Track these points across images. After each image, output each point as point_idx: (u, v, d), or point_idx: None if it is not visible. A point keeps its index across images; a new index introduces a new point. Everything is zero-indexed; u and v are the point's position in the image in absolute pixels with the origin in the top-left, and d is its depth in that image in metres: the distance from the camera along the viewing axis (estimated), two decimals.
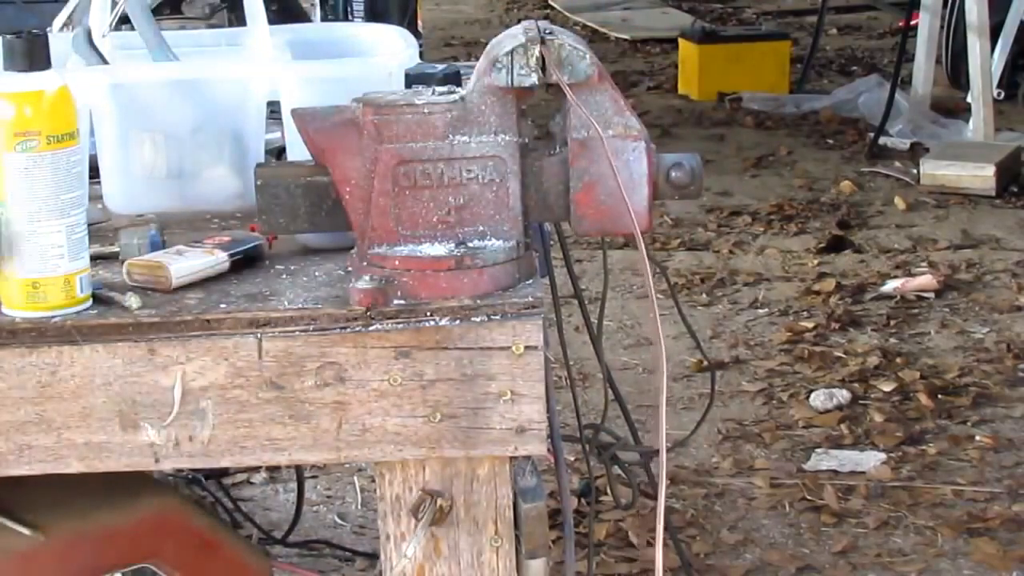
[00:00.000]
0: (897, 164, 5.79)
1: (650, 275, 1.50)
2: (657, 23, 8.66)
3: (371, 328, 1.51)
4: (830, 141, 6.21)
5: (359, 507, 3.29)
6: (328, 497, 3.33)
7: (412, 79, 1.63)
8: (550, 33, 1.52)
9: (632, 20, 8.83)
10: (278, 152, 1.92)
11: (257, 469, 3.33)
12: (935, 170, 5.47)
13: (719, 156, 5.97)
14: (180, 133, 1.79)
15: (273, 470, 3.35)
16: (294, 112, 1.58)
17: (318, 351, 1.52)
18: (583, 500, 2.18)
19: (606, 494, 2.54)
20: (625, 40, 8.39)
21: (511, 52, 1.50)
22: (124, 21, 2.01)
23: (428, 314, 1.51)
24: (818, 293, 4.52)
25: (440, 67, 1.64)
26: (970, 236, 4.99)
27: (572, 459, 2.80)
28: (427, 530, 1.56)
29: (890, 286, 4.54)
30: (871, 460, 3.47)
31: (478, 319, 1.51)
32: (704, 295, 4.54)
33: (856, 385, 3.85)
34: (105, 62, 1.89)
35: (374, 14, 4.62)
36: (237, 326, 1.52)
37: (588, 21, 8.86)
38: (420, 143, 1.51)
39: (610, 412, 2.06)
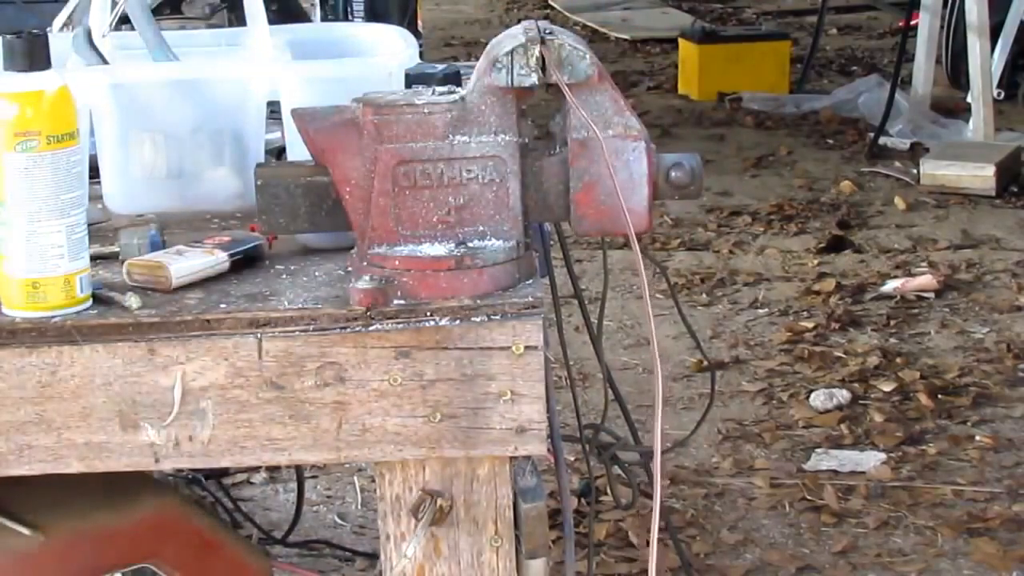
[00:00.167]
0: (897, 164, 5.79)
1: (645, 275, 1.50)
2: (657, 23, 8.66)
3: (371, 328, 1.51)
4: (830, 141, 6.21)
5: (359, 507, 3.29)
6: (328, 497, 3.33)
7: (412, 79, 1.63)
8: (550, 33, 1.52)
9: (632, 20, 8.83)
10: (278, 152, 1.92)
11: (257, 469, 3.33)
12: (935, 170, 5.47)
13: (719, 156, 5.97)
14: (180, 133, 1.79)
15: (273, 470, 3.35)
16: (294, 112, 1.58)
17: (318, 351, 1.52)
18: (583, 500, 2.18)
19: (606, 494, 2.54)
20: (625, 40, 8.39)
21: (511, 52, 1.50)
22: (124, 21, 2.01)
23: (428, 314, 1.51)
24: (818, 293, 4.52)
25: (440, 67, 1.64)
26: (970, 236, 4.99)
27: (572, 459, 2.81)
28: (427, 530, 1.56)
29: (890, 286, 4.54)
30: (871, 460, 3.47)
31: (478, 319, 1.51)
32: (704, 295, 4.54)
33: (856, 385, 3.85)
34: (105, 62, 1.89)
35: (374, 14, 4.62)
36: (237, 326, 1.52)
37: (588, 21, 8.86)
38: (420, 143, 1.51)
39: (610, 412, 2.06)
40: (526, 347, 1.51)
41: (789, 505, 3.29)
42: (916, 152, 5.84)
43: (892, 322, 4.28)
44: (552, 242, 1.95)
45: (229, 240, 1.66)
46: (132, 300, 1.54)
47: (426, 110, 1.51)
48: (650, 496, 2.57)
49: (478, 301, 1.51)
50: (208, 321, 1.52)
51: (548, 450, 1.60)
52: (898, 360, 3.99)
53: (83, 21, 2.00)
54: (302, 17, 4.64)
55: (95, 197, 1.80)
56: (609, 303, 2.15)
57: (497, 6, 9.79)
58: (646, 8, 9.18)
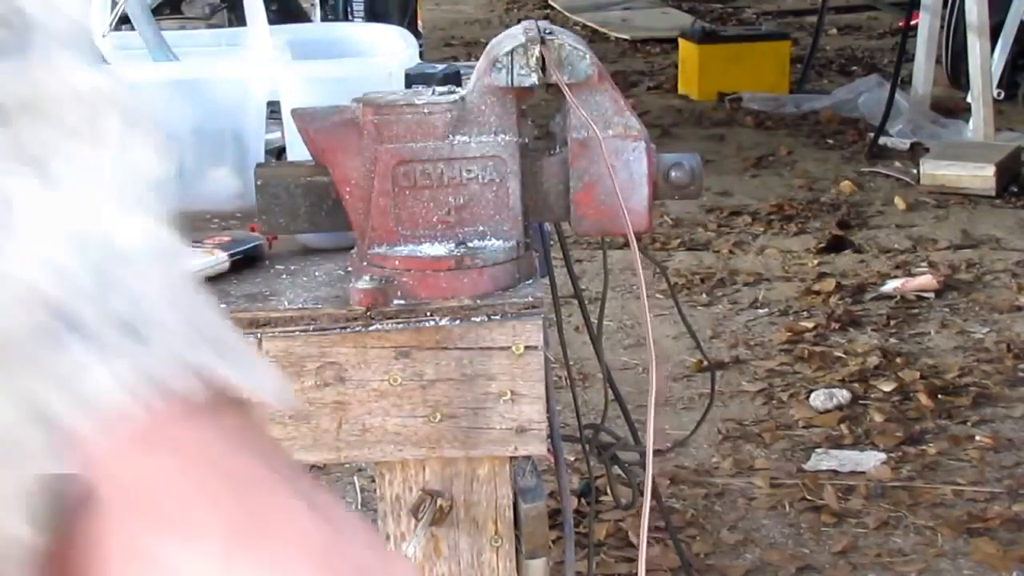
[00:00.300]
0: (897, 164, 5.79)
1: (643, 275, 1.49)
2: (657, 23, 8.66)
3: (371, 328, 1.51)
4: (830, 141, 6.22)
5: (359, 507, 3.29)
6: None
7: (412, 79, 1.62)
8: (550, 33, 1.52)
9: (632, 20, 8.83)
10: (278, 152, 1.92)
11: None
12: (935, 170, 5.47)
13: (719, 156, 5.97)
14: (180, 133, 1.79)
15: None
16: (294, 112, 1.58)
17: (318, 351, 1.52)
18: (583, 500, 2.18)
19: (606, 494, 2.54)
20: (625, 40, 8.39)
21: (511, 52, 1.50)
22: (124, 21, 2.01)
23: (428, 314, 1.51)
24: (818, 293, 4.52)
25: (440, 67, 1.64)
26: (970, 236, 4.99)
27: (572, 459, 2.81)
28: (427, 530, 1.56)
29: (890, 286, 4.55)
30: (871, 460, 3.48)
31: (478, 319, 1.51)
32: (704, 295, 4.54)
33: (856, 385, 3.85)
34: (105, 62, 1.89)
35: (374, 14, 4.63)
36: (237, 326, 1.51)
37: (588, 21, 8.87)
38: (420, 143, 1.51)
39: (610, 412, 2.06)
40: (526, 347, 1.51)
41: (789, 505, 3.29)
42: (916, 152, 5.84)
43: (892, 322, 4.29)
44: (552, 242, 1.95)
45: (229, 240, 1.66)
46: None
47: (426, 110, 1.50)
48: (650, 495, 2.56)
49: (478, 301, 1.51)
50: None
51: (548, 450, 1.59)
52: (898, 360, 3.99)
53: None
54: (302, 17, 4.65)
55: None
56: (609, 303, 2.14)
57: (497, 6, 9.79)
58: (646, 8, 9.18)
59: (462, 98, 1.51)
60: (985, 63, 5.88)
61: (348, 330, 1.51)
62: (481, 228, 1.52)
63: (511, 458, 1.57)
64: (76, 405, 0.70)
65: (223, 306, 1.53)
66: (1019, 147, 5.65)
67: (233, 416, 0.75)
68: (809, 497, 3.31)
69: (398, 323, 1.51)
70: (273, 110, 1.81)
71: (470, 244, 1.52)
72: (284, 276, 1.62)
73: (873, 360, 3.99)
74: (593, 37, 8.39)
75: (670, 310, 4.14)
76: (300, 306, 1.53)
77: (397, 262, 1.51)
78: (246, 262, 1.64)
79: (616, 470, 2.06)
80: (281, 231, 1.63)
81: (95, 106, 0.75)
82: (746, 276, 4.69)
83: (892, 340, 4.16)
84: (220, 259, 1.62)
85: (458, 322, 1.51)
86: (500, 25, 8.39)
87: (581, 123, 1.51)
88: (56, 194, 0.72)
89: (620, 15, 8.99)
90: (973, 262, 4.76)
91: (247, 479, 0.74)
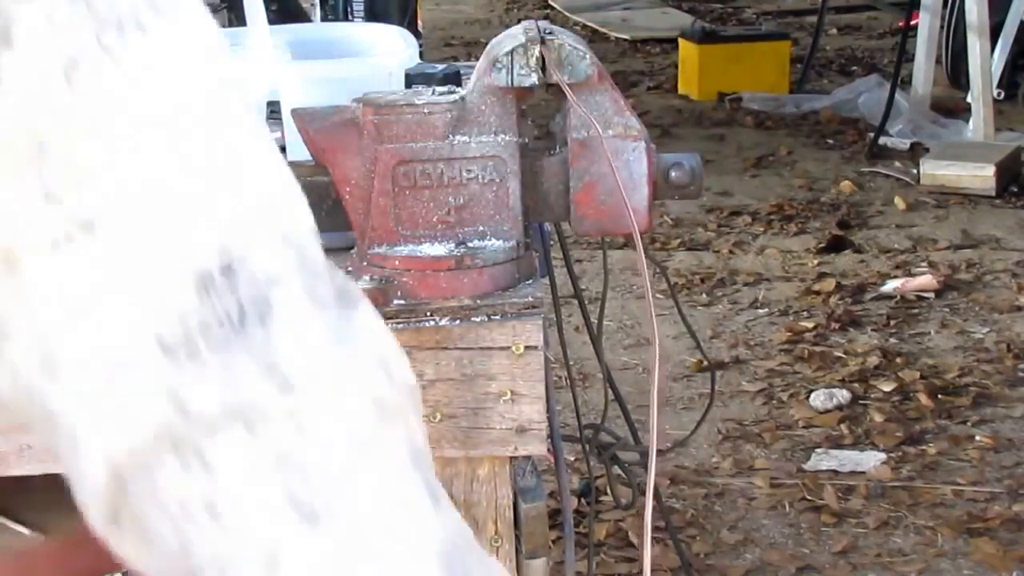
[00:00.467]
0: (897, 164, 5.79)
1: (647, 275, 1.49)
2: (657, 23, 8.66)
3: None
4: (830, 141, 6.22)
5: None
6: None
7: (412, 79, 1.62)
8: (550, 33, 1.52)
9: (632, 20, 8.83)
10: None
11: None
12: (935, 170, 5.47)
13: (719, 156, 5.97)
14: None
15: None
16: (294, 112, 1.58)
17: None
18: (583, 500, 2.18)
19: (606, 494, 2.54)
20: (625, 40, 8.39)
21: (511, 52, 1.50)
22: None
23: (428, 314, 1.51)
24: (818, 293, 4.52)
25: (440, 67, 1.64)
26: (970, 236, 4.99)
27: (572, 459, 2.80)
28: None
29: (890, 286, 4.55)
30: (871, 460, 3.47)
31: (478, 319, 1.51)
32: (704, 295, 4.54)
33: (856, 385, 3.85)
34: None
35: (374, 14, 4.63)
36: None
37: (588, 21, 8.86)
38: (420, 143, 1.50)
39: (610, 412, 2.06)
40: (526, 347, 1.51)
41: (789, 505, 3.29)
42: (916, 152, 5.84)
43: (892, 322, 4.29)
44: (552, 242, 1.95)
45: None
46: None
47: (426, 110, 1.50)
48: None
49: (478, 301, 1.51)
50: None
51: (548, 450, 1.59)
52: (898, 360, 3.99)
53: None
54: (302, 17, 4.65)
55: None
56: (609, 303, 2.14)
57: (497, 6, 9.79)
58: (646, 8, 9.18)
59: (462, 98, 1.51)
60: (985, 63, 5.88)
61: None
62: (481, 228, 1.52)
63: (511, 458, 1.57)
64: None
65: None
66: (1019, 147, 5.65)
67: None
68: (809, 497, 3.31)
69: (398, 323, 1.51)
70: (273, 110, 1.81)
71: (470, 244, 1.52)
72: None
73: (873, 360, 3.99)
74: (593, 37, 8.39)
75: (670, 310, 4.13)
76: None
77: (397, 262, 1.51)
78: None
79: (616, 470, 2.06)
80: None
81: None
82: (746, 276, 4.69)
83: (892, 340, 4.16)
84: None
85: (458, 322, 1.51)
86: (500, 25, 8.39)
87: (581, 123, 1.51)
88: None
89: (620, 15, 8.99)
90: (973, 262, 4.76)
91: None
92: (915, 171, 5.57)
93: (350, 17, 4.72)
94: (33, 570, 1.69)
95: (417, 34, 4.41)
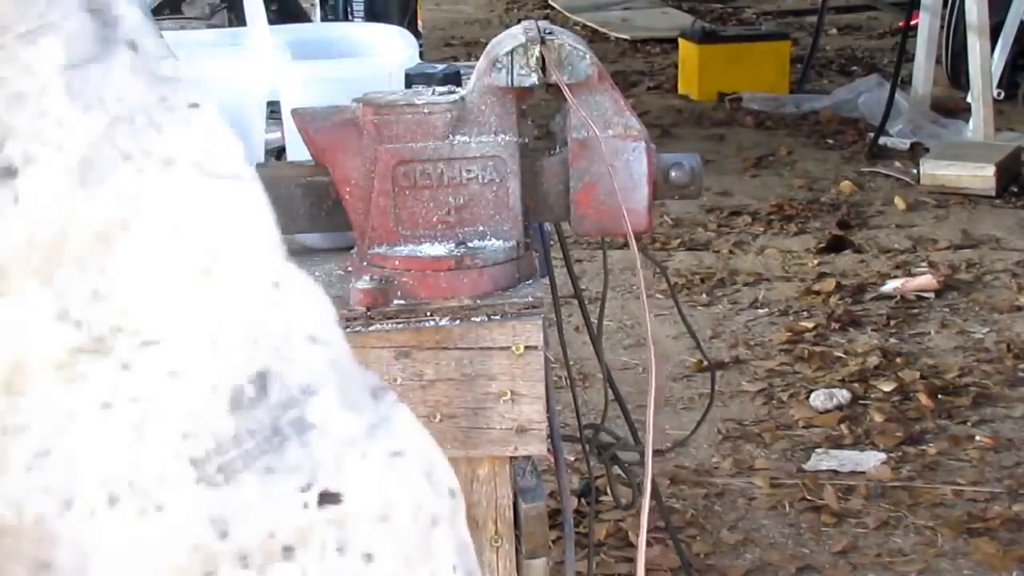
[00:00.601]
0: (897, 164, 5.79)
1: (642, 274, 1.49)
2: (657, 23, 8.66)
3: (371, 328, 1.51)
4: (830, 141, 6.22)
5: None
6: None
7: (412, 79, 1.63)
8: (550, 33, 1.52)
9: (632, 20, 8.83)
10: (278, 152, 1.92)
11: None
12: (935, 170, 5.47)
13: (719, 156, 5.97)
14: None
15: None
16: (294, 112, 1.58)
17: None
18: (583, 500, 2.18)
19: (606, 494, 2.54)
20: (625, 40, 8.39)
21: (511, 52, 1.50)
22: None
23: (428, 314, 1.51)
24: (818, 293, 4.52)
25: (440, 67, 1.64)
26: (970, 236, 4.99)
27: (572, 459, 2.80)
28: None
29: (890, 286, 4.55)
30: (871, 460, 3.47)
31: (478, 319, 1.51)
32: (704, 295, 4.54)
33: (856, 385, 3.85)
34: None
35: (374, 14, 4.63)
36: None
37: (588, 21, 8.86)
38: (420, 143, 1.51)
39: (610, 412, 2.06)
40: (526, 347, 1.51)
41: (789, 505, 3.29)
42: (916, 152, 5.84)
43: (892, 322, 4.29)
44: (552, 242, 1.95)
45: None
46: None
47: (426, 110, 1.50)
48: (650, 496, 2.56)
49: (478, 301, 1.51)
50: None
51: (548, 450, 1.59)
52: (898, 360, 3.99)
53: None
54: (302, 17, 4.65)
55: None
56: (609, 303, 2.14)
57: (497, 6, 9.79)
58: (646, 8, 9.18)
59: (462, 98, 1.51)
60: (985, 63, 5.88)
61: (348, 330, 1.51)
62: (481, 228, 1.52)
63: (511, 458, 1.57)
64: None
65: None
66: (1019, 147, 5.65)
67: None
68: (809, 497, 3.31)
69: (398, 323, 1.51)
70: (273, 110, 1.81)
71: (470, 244, 1.52)
72: None
73: (873, 360, 3.99)
74: (593, 37, 8.39)
75: (670, 310, 4.14)
76: None
77: (397, 262, 1.51)
78: None
79: (616, 470, 2.06)
80: (281, 231, 1.62)
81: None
82: (746, 276, 4.69)
83: (892, 340, 4.16)
84: None
85: (458, 322, 1.51)
86: (500, 25, 8.39)
87: (581, 123, 1.51)
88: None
89: (620, 15, 8.99)
90: (973, 262, 4.76)
91: None
92: (915, 171, 5.57)
93: (350, 17, 4.72)
94: None
95: (417, 34, 4.41)
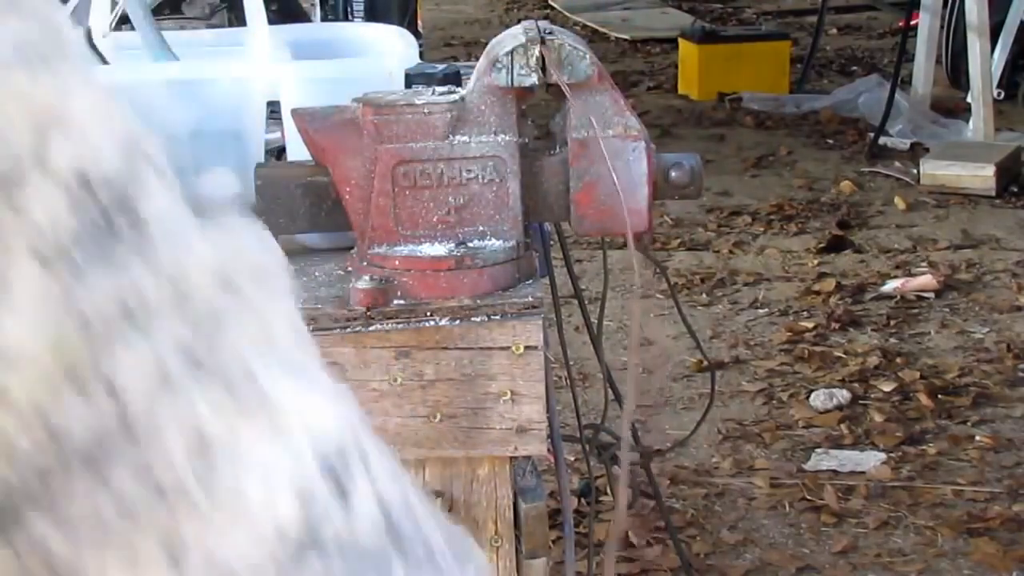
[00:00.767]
0: (897, 164, 5.79)
1: (638, 273, 1.50)
2: (657, 23, 8.66)
3: (371, 328, 1.51)
4: (830, 141, 6.22)
5: None
6: None
7: (412, 79, 1.63)
8: (550, 33, 1.52)
9: (632, 20, 8.83)
10: (278, 152, 1.92)
11: None
12: (935, 170, 5.47)
13: (719, 156, 5.97)
14: (180, 134, 1.79)
15: None
16: (294, 112, 1.58)
17: (318, 351, 1.51)
18: (583, 500, 2.18)
19: (606, 494, 2.54)
20: (625, 40, 8.40)
21: (511, 52, 1.50)
22: (124, 21, 2.01)
23: (428, 314, 1.51)
24: (818, 293, 4.52)
25: (440, 67, 1.64)
26: (970, 236, 4.99)
27: (572, 459, 2.81)
28: None
29: (890, 286, 4.55)
30: (871, 460, 3.48)
31: (478, 319, 1.51)
32: (704, 295, 4.54)
33: (856, 385, 3.85)
34: (105, 62, 1.89)
35: (374, 14, 4.63)
36: None
37: (588, 21, 8.87)
38: (420, 143, 1.51)
39: (610, 412, 2.06)
40: (526, 347, 1.51)
41: (789, 505, 3.29)
42: (916, 152, 5.84)
43: (892, 322, 4.29)
44: (552, 242, 1.95)
45: None
46: None
47: (426, 110, 1.50)
48: (650, 496, 2.57)
49: (478, 301, 1.51)
50: None
51: (548, 450, 1.59)
52: (898, 360, 4.00)
53: (83, 21, 2.00)
54: (302, 17, 4.65)
55: None
56: (609, 303, 2.14)
57: (497, 6, 9.79)
58: (646, 8, 9.19)
59: (462, 98, 1.51)
60: (985, 63, 5.88)
61: (348, 330, 1.51)
62: (481, 228, 1.52)
63: (511, 458, 1.57)
64: None
65: None
66: (1019, 147, 5.65)
67: None
68: (809, 497, 3.31)
69: (398, 323, 1.51)
70: (273, 110, 1.81)
71: (470, 244, 1.52)
72: None
73: (873, 360, 3.99)
74: (593, 37, 8.39)
75: (670, 310, 4.14)
76: (300, 306, 1.53)
77: (397, 262, 1.51)
78: None
79: (616, 470, 2.06)
80: (281, 231, 1.62)
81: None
82: (746, 276, 4.69)
83: (892, 340, 4.16)
84: None
85: (458, 322, 1.51)
86: (500, 25, 8.39)
87: (581, 123, 1.51)
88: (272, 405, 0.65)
89: (620, 15, 8.99)
90: (973, 262, 4.76)
91: None
92: (915, 171, 5.57)
93: (350, 17, 4.72)
94: None
95: (417, 34, 4.41)
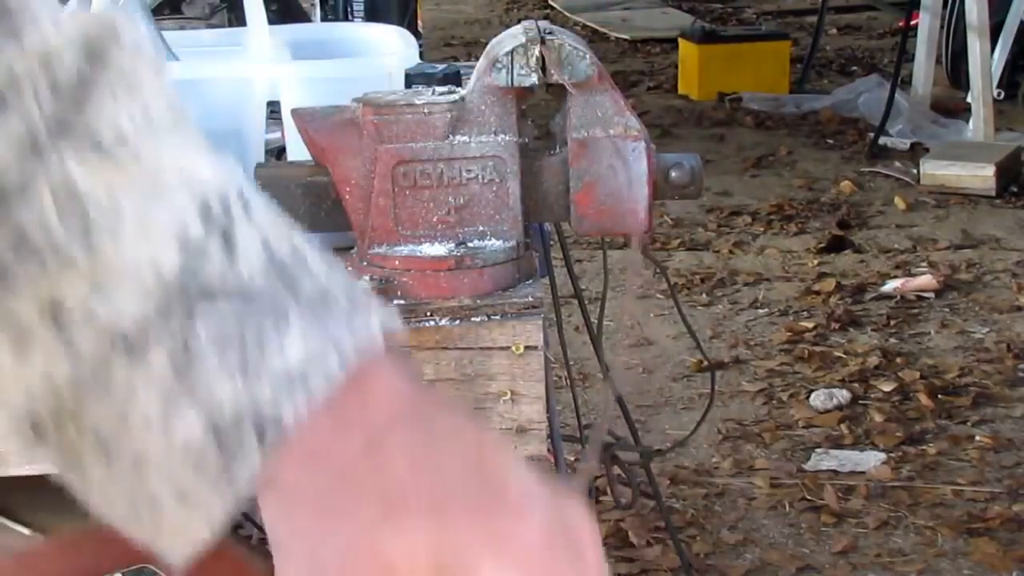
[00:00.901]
0: (897, 164, 5.79)
1: (636, 272, 1.50)
2: (657, 23, 8.66)
3: None
4: (830, 141, 6.22)
5: None
6: None
7: (412, 79, 1.63)
8: (550, 33, 1.52)
9: (632, 20, 8.83)
10: (278, 152, 1.92)
11: None
12: (935, 170, 5.47)
13: (719, 156, 5.97)
14: None
15: None
16: (294, 112, 1.58)
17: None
18: None
19: (606, 494, 2.54)
20: (625, 40, 8.40)
21: (511, 52, 1.50)
22: None
23: (428, 314, 1.51)
24: (818, 293, 4.52)
25: (440, 67, 1.64)
26: (970, 236, 4.99)
27: (572, 459, 2.81)
28: None
29: (890, 286, 4.55)
30: (871, 460, 3.48)
31: (478, 319, 1.51)
32: (704, 295, 4.54)
33: (856, 385, 3.85)
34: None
35: (374, 14, 4.62)
36: None
37: (588, 21, 8.87)
38: (420, 143, 1.51)
39: (610, 412, 2.06)
40: (526, 347, 1.51)
41: (789, 505, 3.29)
42: (916, 152, 5.84)
43: (892, 322, 4.29)
44: (552, 242, 1.95)
45: None
46: None
47: (426, 110, 1.50)
48: (649, 496, 2.57)
49: (478, 301, 1.51)
50: None
51: (548, 450, 1.59)
52: (898, 360, 3.99)
53: None
54: (302, 17, 4.65)
55: None
56: (609, 303, 2.14)
57: (497, 6, 9.79)
58: (646, 8, 9.18)
59: (462, 98, 1.51)
60: (985, 63, 5.88)
61: None
62: (481, 228, 1.52)
63: None
64: (289, 387, 0.65)
65: None
66: (1019, 147, 5.65)
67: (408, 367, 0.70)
68: (809, 497, 3.31)
69: None
70: (273, 110, 1.81)
71: (470, 244, 1.52)
72: None
73: (873, 360, 3.99)
74: (593, 37, 8.39)
75: (670, 310, 4.14)
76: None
77: (397, 262, 1.51)
78: None
79: (616, 470, 2.06)
80: None
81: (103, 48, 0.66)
82: (746, 276, 4.69)
83: (892, 340, 4.16)
84: None
85: (458, 322, 1.51)
86: (500, 25, 8.39)
87: (581, 123, 1.51)
88: (146, 166, 0.65)
89: (620, 15, 8.99)
90: (973, 262, 4.76)
91: (471, 445, 0.69)
92: (915, 171, 5.57)
93: (350, 17, 4.72)
94: (33, 570, 1.68)
95: (417, 34, 4.41)
